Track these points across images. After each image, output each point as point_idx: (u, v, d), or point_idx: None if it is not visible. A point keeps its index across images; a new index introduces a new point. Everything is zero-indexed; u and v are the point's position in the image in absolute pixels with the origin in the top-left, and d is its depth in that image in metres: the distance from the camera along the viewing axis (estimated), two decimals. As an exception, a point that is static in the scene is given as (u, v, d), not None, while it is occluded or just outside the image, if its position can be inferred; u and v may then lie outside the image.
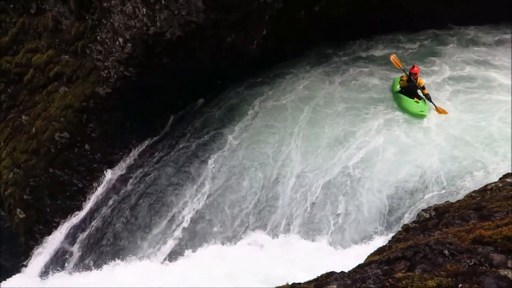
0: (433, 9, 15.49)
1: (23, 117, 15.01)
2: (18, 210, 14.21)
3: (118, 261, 10.42)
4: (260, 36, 13.57)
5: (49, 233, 13.53)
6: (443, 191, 9.58)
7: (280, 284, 4.50)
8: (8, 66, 15.53)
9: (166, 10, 11.94)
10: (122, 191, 12.96)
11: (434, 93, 12.71)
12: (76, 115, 13.89)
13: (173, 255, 10.40)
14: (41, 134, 14.32)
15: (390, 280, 3.60)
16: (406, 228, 5.65)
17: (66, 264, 12.36)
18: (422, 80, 12.62)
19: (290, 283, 4.38)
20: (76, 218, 13.38)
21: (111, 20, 12.88)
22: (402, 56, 14.67)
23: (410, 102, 12.17)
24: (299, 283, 4.28)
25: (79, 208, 13.46)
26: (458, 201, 6.19)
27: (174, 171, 12.34)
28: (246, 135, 12.54)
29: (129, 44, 12.73)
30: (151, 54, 12.87)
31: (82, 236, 12.72)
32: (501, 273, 3.40)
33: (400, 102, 12.42)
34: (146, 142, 13.89)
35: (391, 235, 7.01)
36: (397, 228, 8.71)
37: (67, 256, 12.58)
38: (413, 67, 12.53)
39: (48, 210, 13.90)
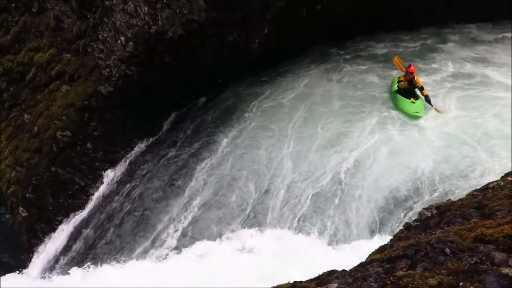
0: (433, 9, 15.50)
1: (25, 115, 15.05)
2: (21, 208, 14.25)
3: (118, 260, 10.39)
4: (261, 34, 13.56)
5: (51, 232, 13.57)
6: (436, 194, 9.47)
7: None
8: (10, 65, 15.55)
9: (168, 8, 11.94)
10: (122, 190, 12.99)
11: (434, 91, 12.65)
12: (78, 113, 13.91)
13: (176, 249, 10.34)
14: (43, 133, 14.35)
15: (391, 278, 3.60)
16: (407, 226, 5.65)
17: (66, 264, 12.35)
18: (420, 80, 12.49)
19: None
20: (76, 217, 13.41)
21: (113, 19, 12.89)
22: (403, 54, 14.67)
23: (406, 103, 12.05)
24: (301, 281, 4.29)
25: (81, 206, 13.50)
26: (459, 199, 6.18)
27: (161, 183, 12.09)
28: (239, 140, 12.30)
29: (131, 43, 12.75)
30: (153, 52, 12.88)
31: (83, 235, 12.74)
32: (503, 271, 3.40)
33: (397, 102, 12.33)
34: (144, 143, 13.87)
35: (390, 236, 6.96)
36: (393, 230, 8.69)
37: (67, 256, 12.59)
38: (409, 66, 12.43)
39: (50, 208, 13.94)
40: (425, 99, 12.16)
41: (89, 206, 13.38)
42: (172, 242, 10.80)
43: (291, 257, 8.22)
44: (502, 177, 6.67)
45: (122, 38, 12.86)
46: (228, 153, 12.05)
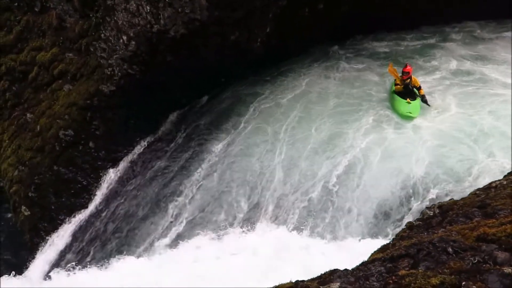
0: (434, 8, 15.51)
1: (28, 115, 15.07)
2: (23, 207, 14.28)
3: (119, 258, 10.37)
4: (263, 34, 13.55)
5: (54, 231, 13.59)
6: (432, 196, 9.43)
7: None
8: (12, 64, 15.59)
9: (170, 7, 11.95)
10: (123, 190, 13.01)
11: (433, 89, 12.62)
12: (80, 112, 13.94)
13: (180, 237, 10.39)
14: (45, 132, 14.38)
15: (394, 277, 3.60)
16: (410, 226, 5.65)
17: (67, 263, 12.32)
18: (418, 80, 12.44)
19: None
20: (77, 217, 13.41)
21: (115, 18, 12.91)
22: (403, 52, 14.68)
23: (401, 103, 11.98)
24: (303, 281, 4.28)
25: (84, 205, 13.51)
26: (462, 198, 6.18)
27: (143, 212, 11.89)
28: (232, 148, 12.17)
29: (133, 42, 12.76)
30: (155, 52, 12.89)
31: (84, 234, 12.75)
32: (505, 270, 3.40)
33: (393, 102, 12.29)
34: (144, 144, 13.86)
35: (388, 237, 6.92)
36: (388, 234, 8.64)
37: (68, 255, 12.60)
38: (406, 66, 12.38)
39: (52, 207, 13.96)
40: (422, 99, 12.11)
41: (91, 205, 13.40)
42: (170, 239, 10.82)
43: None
44: (505, 177, 6.67)
45: (124, 37, 12.87)
46: (219, 161, 11.90)
